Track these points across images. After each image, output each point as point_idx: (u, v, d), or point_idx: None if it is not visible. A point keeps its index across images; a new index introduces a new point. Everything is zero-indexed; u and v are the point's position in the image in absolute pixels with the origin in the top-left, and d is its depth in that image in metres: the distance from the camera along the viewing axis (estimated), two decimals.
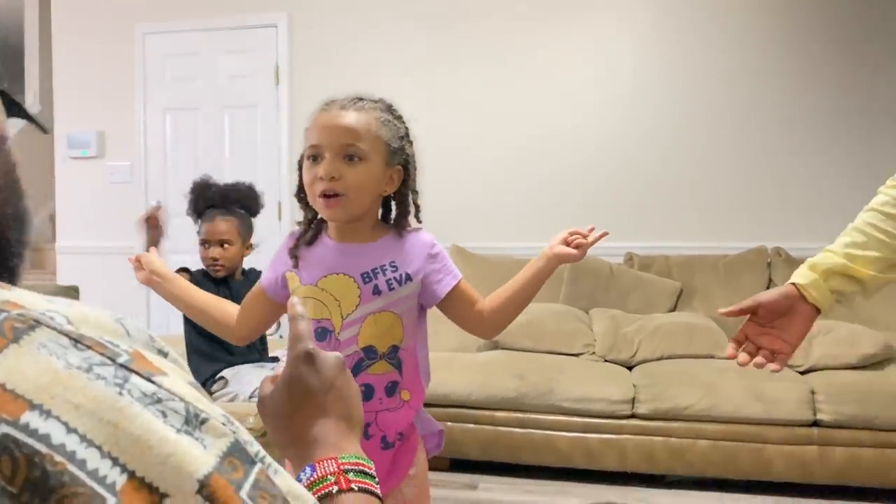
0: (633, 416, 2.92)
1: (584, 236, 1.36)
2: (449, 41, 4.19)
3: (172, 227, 4.46)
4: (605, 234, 1.37)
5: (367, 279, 1.31)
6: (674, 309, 3.57)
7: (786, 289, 1.30)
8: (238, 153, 4.45)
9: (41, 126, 0.63)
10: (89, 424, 0.36)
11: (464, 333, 3.32)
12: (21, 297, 0.40)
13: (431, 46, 4.20)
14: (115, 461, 0.35)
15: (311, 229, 1.38)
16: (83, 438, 0.35)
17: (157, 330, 4.47)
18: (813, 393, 2.82)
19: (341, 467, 0.63)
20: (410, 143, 1.40)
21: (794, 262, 3.57)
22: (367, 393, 1.30)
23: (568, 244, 1.36)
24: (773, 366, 1.26)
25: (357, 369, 1.30)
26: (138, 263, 1.47)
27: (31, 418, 0.34)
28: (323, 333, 1.31)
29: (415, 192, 1.40)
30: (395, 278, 1.31)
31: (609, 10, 4.02)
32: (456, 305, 1.39)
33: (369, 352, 1.31)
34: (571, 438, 2.94)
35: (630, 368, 3.14)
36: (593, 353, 3.24)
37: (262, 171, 4.24)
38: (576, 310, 3.50)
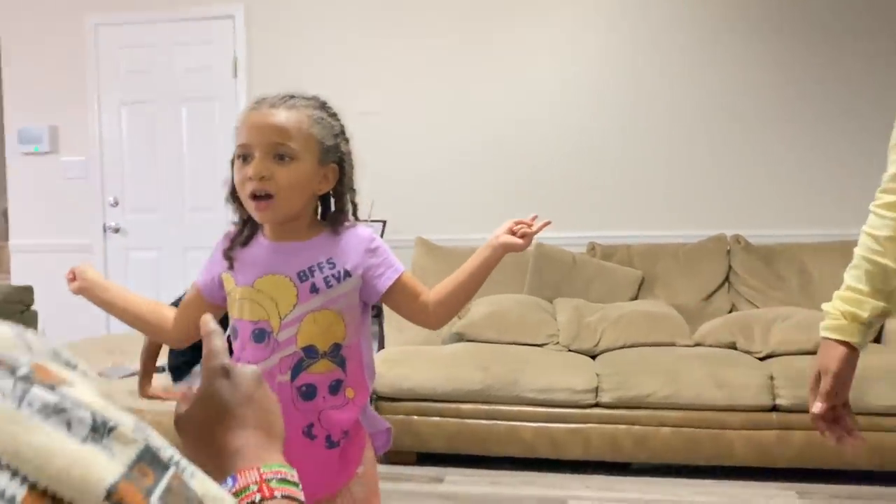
0: (596, 405, 2.94)
1: (529, 225, 1.35)
2: (410, 32, 4.15)
3: (130, 224, 4.40)
4: (548, 222, 1.36)
5: (303, 277, 1.28)
6: (636, 297, 3.60)
7: (840, 352, 1.24)
8: (196, 147, 4.37)
9: None
10: None
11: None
12: None
13: (392, 38, 4.17)
14: (13, 473, 0.34)
15: (246, 230, 1.35)
16: None
17: (116, 329, 4.39)
18: (772, 378, 2.87)
19: (263, 476, 0.62)
20: (346, 140, 1.35)
21: (752, 250, 3.63)
22: (310, 392, 1.28)
23: (514, 233, 1.34)
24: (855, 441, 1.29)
25: (297, 369, 1.28)
26: (72, 275, 1.43)
27: None
28: (261, 335, 1.29)
29: (352, 191, 1.37)
30: (332, 275, 1.29)
31: (572, 2, 4.02)
32: (399, 299, 1.36)
33: (309, 351, 1.28)
34: (536, 429, 2.95)
35: (594, 357, 3.16)
36: (557, 342, 3.26)
37: (220, 166, 4.16)
38: (540, 300, 3.52)
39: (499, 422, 2.98)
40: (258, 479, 0.62)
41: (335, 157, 1.32)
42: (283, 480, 0.63)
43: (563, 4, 4.03)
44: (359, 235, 1.35)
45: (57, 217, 4.49)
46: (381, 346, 3.52)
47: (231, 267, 1.34)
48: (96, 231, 4.43)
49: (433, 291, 1.37)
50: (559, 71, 4.04)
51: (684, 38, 3.94)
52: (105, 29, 4.41)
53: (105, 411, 0.39)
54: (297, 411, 1.27)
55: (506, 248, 1.34)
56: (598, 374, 2.98)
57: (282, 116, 1.26)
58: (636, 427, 2.91)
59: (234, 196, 1.35)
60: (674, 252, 3.73)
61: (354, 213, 1.38)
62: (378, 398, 3.05)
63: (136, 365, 2.52)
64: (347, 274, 1.30)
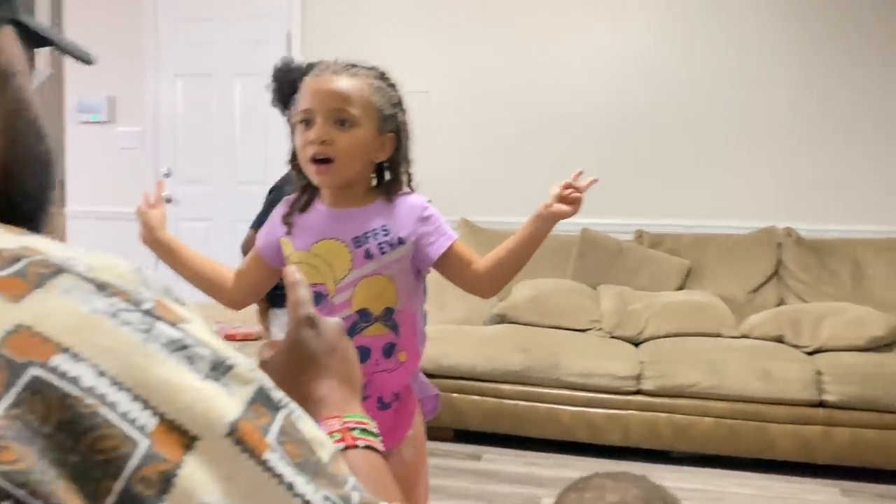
0: (638, 392, 2.93)
1: (577, 189, 1.37)
2: (463, 10, 4.14)
3: (182, 195, 4.49)
4: (595, 180, 1.39)
5: (358, 243, 1.31)
6: (682, 287, 3.56)
7: None
8: (249, 121, 4.43)
9: (82, 57, 0.60)
10: (118, 368, 0.35)
11: (470, 305, 3.32)
12: (39, 243, 0.40)
13: (444, 16, 4.16)
14: (145, 404, 0.35)
15: (305, 196, 1.39)
16: (113, 381, 0.35)
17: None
18: (819, 374, 2.81)
19: (347, 425, 0.63)
20: (403, 111, 1.38)
21: (803, 243, 3.55)
22: (364, 355, 1.30)
23: (563, 200, 1.35)
24: None
25: (352, 332, 1.31)
26: (143, 219, 1.46)
27: (61, 361, 0.34)
28: (317, 298, 1.31)
29: (407, 161, 1.39)
30: (386, 242, 1.32)
31: None
32: (451, 266, 1.38)
33: (364, 314, 1.32)
34: (575, 412, 2.95)
35: (637, 345, 3.14)
36: (600, 328, 3.24)
37: (272, 140, 4.22)
38: (583, 286, 3.50)
39: (538, 404, 2.99)
40: (342, 428, 0.63)
41: (393, 126, 1.34)
42: (365, 430, 0.64)
43: None
44: (412, 203, 1.37)
45: (112, 186, 4.60)
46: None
47: (289, 232, 1.37)
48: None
49: (484, 259, 1.38)
50: (610, 50, 3.99)
51: (740, 23, 3.85)
52: (164, 1, 4.49)
53: (222, 350, 0.40)
54: None
55: (555, 217, 1.35)
56: (641, 362, 2.96)
57: (343, 83, 1.28)
58: (677, 416, 2.88)
59: (293, 162, 1.38)
60: (723, 242, 3.66)
61: (409, 183, 1.40)
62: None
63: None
64: (401, 241, 1.33)
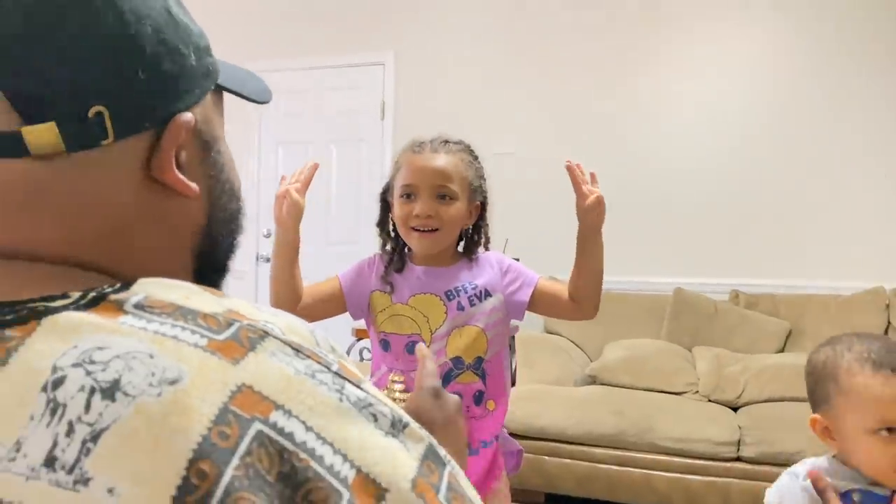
0: (738, 459, 2.80)
1: (585, 182, 1.52)
2: (549, 76, 4.22)
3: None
4: (592, 174, 1.56)
5: (451, 296, 1.45)
6: (782, 350, 3.42)
7: None
8: (344, 185, 4.62)
9: (259, 98, 0.66)
10: (322, 424, 0.39)
11: (561, 365, 3.28)
12: (239, 307, 0.44)
13: (531, 83, 4.25)
14: (344, 458, 0.38)
15: (396, 257, 1.51)
16: (318, 436, 0.38)
17: None
18: None
19: None
20: (485, 180, 1.52)
21: None
22: None
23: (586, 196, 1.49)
24: None
25: (447, 379, 1.42)
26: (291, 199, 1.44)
27: (278, 417, 0.38)
28: (413, 347, 1.35)
29: (486, 225, 1.54)
30: (475, 294, 1.46)
31: (715, 41, 3.96)
32: (544, 303, 1.49)
33: (457, 362, 1.43)
34: (671, 479, 2.85)
35: (735, 410, 3.02)
36: (696, 391, 3.14)
37: (364, 203, 4.37)
38: (678, 347, 3.41)
39: (632, 469, 2.90)
40: None
41: (480, 197, 1.50)
42: None
43: (705, 43, 3.97)
44: (491, 260, 1.52)
45: None
46: (513, 382, 3.53)
47: (386, 288, 1.48)
48: (250, 260, 4.75)
49: (568, 287, 1.49)
50: (703, 108, 3.96)
51: (841, 78, 3.77)
52: (265, 75, 4.76)
53: (396, 408, 0.44)
54: None
55: (586, 213, 1.50)
56: (740, 427, 2.84)
57: (442, 160, 1.43)
58: None
59: (383, 226, 1.52)
60: (824, 303, 3.51)
61: (486, 245, 1.55)
62: (509, 434, 3.05)
63: None
64: (487, 294, 1.47)
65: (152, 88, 0.49)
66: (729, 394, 3.08)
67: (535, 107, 4.24)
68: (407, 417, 0.43)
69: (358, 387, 0.42)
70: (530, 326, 4.03)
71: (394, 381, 1.29)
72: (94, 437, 0.35)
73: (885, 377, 1.06)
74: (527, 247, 4.07)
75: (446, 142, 1.46)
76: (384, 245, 1.53)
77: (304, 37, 4.71)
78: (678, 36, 4.01)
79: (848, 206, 3.73)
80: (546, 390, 3.14)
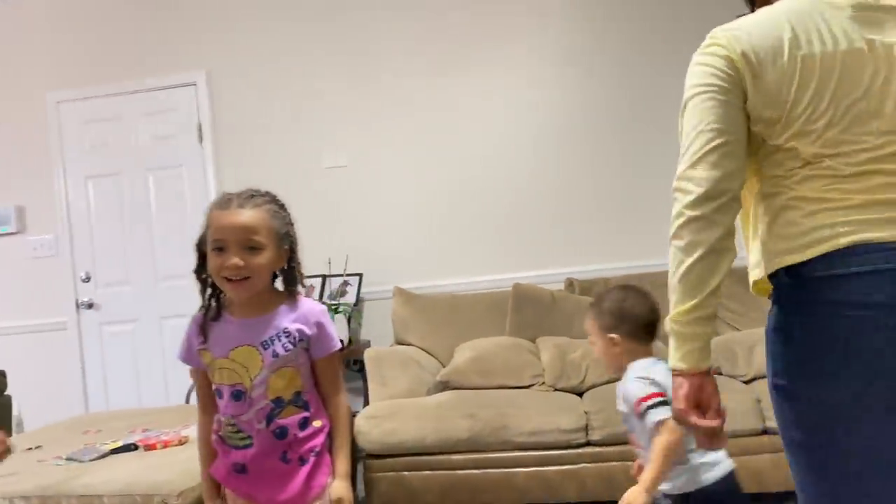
0: (588, 444, 2.91)
1: None
2: (372, 88, 4.19)
3: (104, 298, 4.34)
4: None
5: (266, 346, 1.58)
6: None
7: None
8: (165, 215, 4.34)
9: None
10: None
11: (413, 377, 3.25)
12: None
13: (354, 95, 4.20)
14: None
15: (212, 307, 1.63)
16: None
17: (94, 406, 4.29)
18: (759, 401, 2.85)
19: None
20: (293, 225, 1.65)
21: (734, 273, 3.64)
22: (283, 433, 1.59)
23: None
24: None
25: (270, 418, 1.58)
26: None
27: None
28: (238, 394, 1.58)
29: (298, 264, 1.66)
30: (289, 341, 1.59)
31: (526, 45, 4.09)
32: (321, 370, 1.65)
33: (278, 402, 1.59)
34: (528, 473, 2.90)
35: (580, 395, 3.13)
36: (543, 382, 3.23)
37: (189, 231, 4.14)
38: (522, 340, 3.49)
39: (490, 470, 2.93)
40: None
41: (288, 242, 1.62)
42: None
43: (517, 47, 4.09)
44: (311, 309, 1.65)
45: (28, 297, 4.41)
46: (366, 401, 3.47)
47: (205, 342, 1.61)
48: (69, 308, 4.36)
49: (331, 409, 1.67)
50: (520, 114, 4.09)
51: (630, 75, 4.01)
52: (66, 105, 4.40)
53: None
54: (275, 447, 1.59)
55: None
56: (586, 412, 2.95)
57: (247, 215, 1.55)
58: (631, 463, 2.86)
59: (200, 274, 1.63)
60: (651, 282, 3.72)
61: (301, 282, 1.67)
62: (368, 456, 2.99)
63: (106, 445, 2.49)
64: (300, 339, 1.61)
65: None
66: (573, 380, 3.19)
67: (363, 118, 4.19)
68: None
69: None
70: (380, 341, 4.00)
71: (227, 425, 1.59)
72: None
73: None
74: (369, 258, 4.04)
75: (252, 196, 1.58)
76: (203, 290, 1.64)
77: (108, 61, 4.38)
78: (491, 50, 4.10)
79: (653, 192, 3.97)
80: (399, 404, 3.10)
